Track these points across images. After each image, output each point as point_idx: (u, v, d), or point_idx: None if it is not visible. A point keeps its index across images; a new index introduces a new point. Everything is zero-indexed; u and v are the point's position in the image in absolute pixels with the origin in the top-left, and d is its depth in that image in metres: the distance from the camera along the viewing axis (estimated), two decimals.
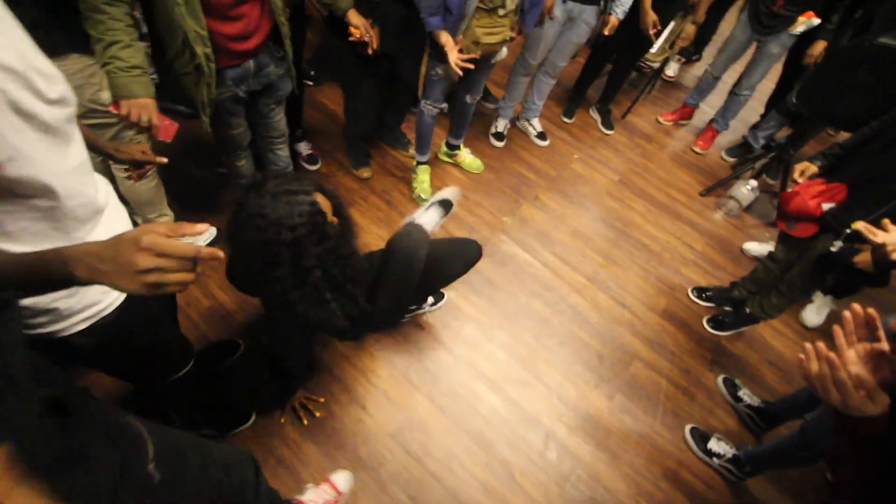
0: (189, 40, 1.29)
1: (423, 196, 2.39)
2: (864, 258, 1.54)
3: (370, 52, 1.75)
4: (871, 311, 0.75)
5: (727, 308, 2.26)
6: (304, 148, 2.40)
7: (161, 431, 0.78)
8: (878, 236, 1.15)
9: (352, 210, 2.26)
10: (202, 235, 1.95)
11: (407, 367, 1.83)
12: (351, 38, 1.70)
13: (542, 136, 2.91)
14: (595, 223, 2.57)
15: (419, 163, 2.41)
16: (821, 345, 0.75)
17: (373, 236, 2.20)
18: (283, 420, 1.62)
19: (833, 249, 1.62)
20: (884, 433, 0.71)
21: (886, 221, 1.17)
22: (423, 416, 1.72)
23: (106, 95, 1.37)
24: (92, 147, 1.11)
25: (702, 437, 1.83)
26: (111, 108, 1.27)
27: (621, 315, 2.19)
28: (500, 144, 2.82)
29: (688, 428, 1.86)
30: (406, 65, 2.04)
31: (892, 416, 0.71)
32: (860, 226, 1.18)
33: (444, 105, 2.27)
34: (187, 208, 2.04)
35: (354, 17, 1.71)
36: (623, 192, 2.79)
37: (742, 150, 3.15)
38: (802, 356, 0.76)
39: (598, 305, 2.20)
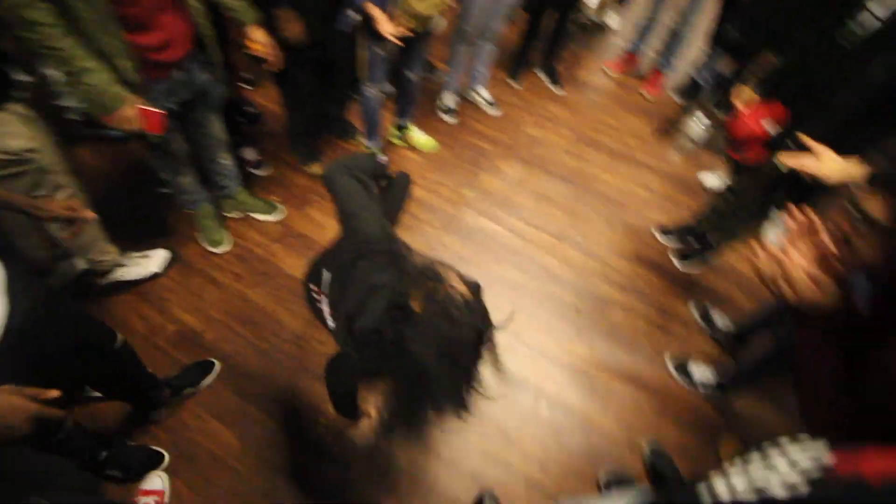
0: (107, 54, 1.27)
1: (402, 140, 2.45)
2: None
3: (265, 67, 1.72)
4: (811, 214, 0.80)
5: (693, 242, 2.35)
6: (249, 154, 2.38)
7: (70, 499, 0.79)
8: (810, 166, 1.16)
9: (309, 208, 2.28)
10: (155, 262, 1.93)
11: None
12: (247, 52, 1.65)
13: (492, 104, 2.94)
14: (556, 183, 2.63)
15: (370, 150, 2.42)
16: (768, 244, 0.80)
17: (334, 231, 2.19)
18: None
19: (779, 164, 1.71)
20: (839, 328, 0.75)
21: (818, 149, 1.21)
22: None
23: (14, 143, 1.34)
24: (7, 206, 1.10)
25: (682, 366, 1.93)
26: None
27: (593, 267, 2.27)
28: (450, 119, 2.84)
29: (669, 360, 1.95)
30: (338, 50, 2.04)
31: (847, 312, 0.75)
32: (790, 161, 1.20)
33: (388, 87, 2.27)
34: (133, 239, 2.00)
35: (257, 34, 1.64)
36: (580, 147, 2.85)
37: (690, 89, 3.24)
38: (751, 256, 0.81)
39: (570, 261, 2.27)
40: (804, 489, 0.53)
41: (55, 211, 1.15)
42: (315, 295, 1.16)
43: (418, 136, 2.64)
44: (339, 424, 1.67)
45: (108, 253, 1.78)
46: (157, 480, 1.48)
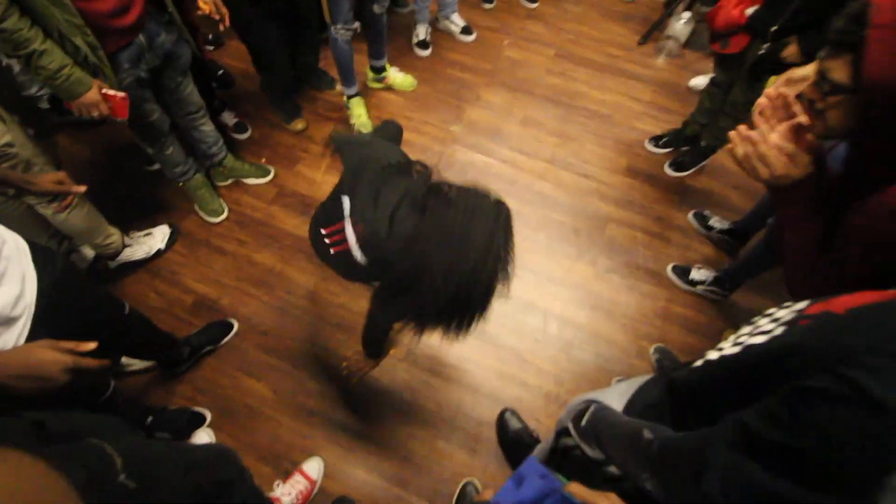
0: (64, 33, 1.23)
1: (363, 131, 2.37)
2: (790, 51, 1.61)
3: (222, 28, 1.64)
4: (782, 90, 0.81)
5: (684, 148, 2.35)
6: (228, 118, 2.34)
7: (130, 444, 0.85)
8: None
9: (299, 166, 2.28)
10: (157, 238, 1.96)
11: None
12: (199, 13, 1.58)
13: (466, 30, 2.83)
14: (543, 105, 2.58)
15: (349, 97, 2.37)
16: (742, 127, 0.83)
17: (328, 186, 2.20)
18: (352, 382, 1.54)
19: (762, 52, 1.68)
20: (814, 196, 0.79)
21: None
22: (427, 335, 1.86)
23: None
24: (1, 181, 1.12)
25: (683, 272, 2.00)
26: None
27: (587, 186, 2.29)
28: (425, 53, 2.75)
29: (669, 267, 2.02)
30: None
31: (821, 180, 0.79)
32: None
33: (356, 25, 2.18)
34: (133, 219, 2.03)
35: None
36: (562, 64, 2.77)
37: None
38: (729, 145, 0.83)
39: (563, 184, 2.28)
40: (779, 331, 0.59)
41: (45, 185, 1.18)
42: (327, 239, 1.21)
43: (395, 76, 2.56)
44: (364, 365, 1.77)
45: (112, 235, 1.81)
46: (203, 436, 1.60)
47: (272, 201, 2.17)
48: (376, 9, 2.16)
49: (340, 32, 2.06)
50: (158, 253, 1.96)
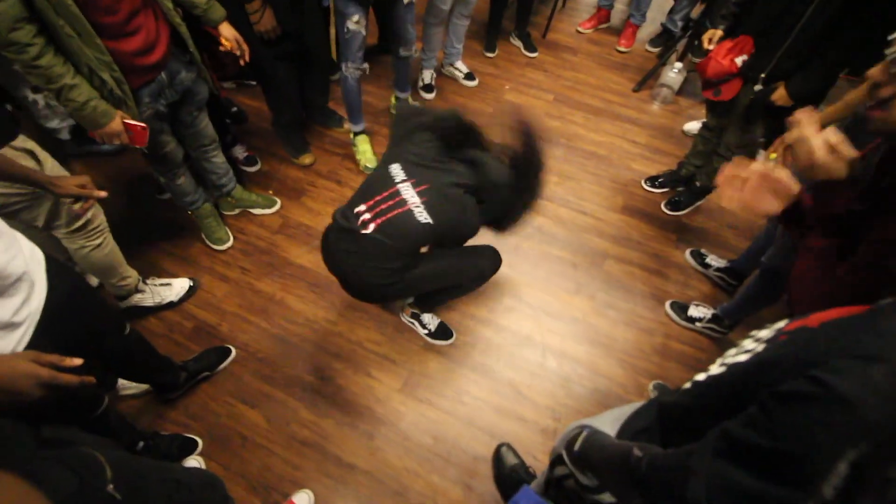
0: (94, 69, 1.32)
1: (368, 166, 2.45)
2: (779, 94, 1.69)
3: (242, 63, 1.76)
4: None
5: (680, 188, 2.41)
6: (239, 152, 2.43)
7: (120, 457, 0.85)
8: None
9: (304, 198, 2.34)
10: (174, 291, 1.96)
11: (398, 326, 1.94)
12: (221, 48, 1.70)
13: (469, 76, 2.97)
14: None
15: (356, 133, 2.46)
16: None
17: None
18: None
19: (753, 97, 1.76)
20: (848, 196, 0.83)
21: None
22: (425, 365, 1.85)
23: None
24: (26, 179, 1.18)
25: (682, 308, 2.00)
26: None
27: (585, 222, 2.33)
28: (430, 96, 2.87)
29: (668, 304, 2.03)
30: (312, 37, 2.07)
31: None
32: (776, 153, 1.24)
33: (365, 66, 2.30)
34: (148, 252, 2.08)
35: (227, 30, 1.67)
36: (560, 108, 2.88)
37: (664, 38, 3.25)
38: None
39: (562, 220, 2.33)
40: (760, 348, 0.60)
41: (68, 188, 1.23)
42: (367, 214, 1.28)
43: None
44: (360, 394, 1.76)
45: (128, 277, 1.79)
46: (193, 463, 1.57)
47: (277, 231, 2.22)
48: (402, 52, 2.34)
49: (350, 71, 2.17)
50: (170, 305, 1.93)
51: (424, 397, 1.78)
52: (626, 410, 0.96)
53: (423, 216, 1.23)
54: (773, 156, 1.62)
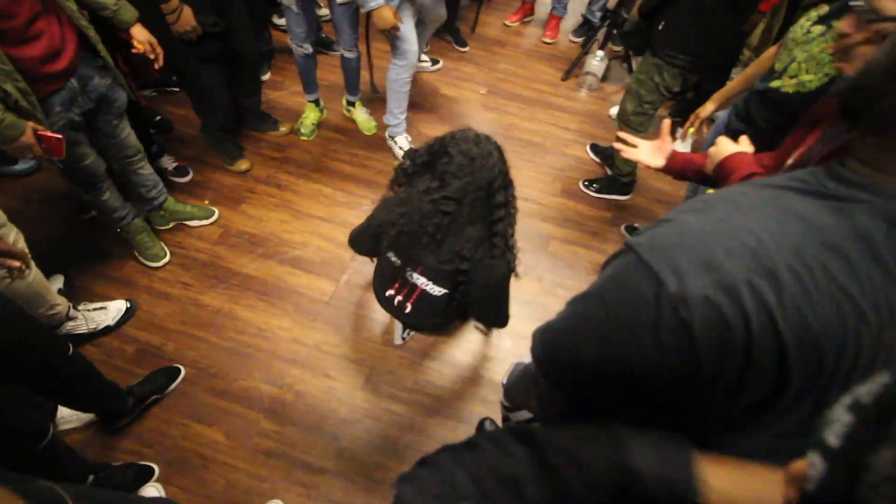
0: None
1: (302, 131, 2.55)
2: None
3: (157, 67, 1.68)
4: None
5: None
6: (168, 163, 2.31)
7: (80, 488, 0.81)
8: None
9: (244, 206, 2.27)
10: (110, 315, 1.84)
11: (355, 325, 1.94)
12: (134, 51, 1.62)
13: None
14: None
15: (308, 101, 2.55)
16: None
17: (274, 223, 2.22)
18: None
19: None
20: None
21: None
22: (385, 361, 1.86)
23: None
24: None
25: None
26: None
27: (528, 208, 2.42)
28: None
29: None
30: (238, 38, 2.01)
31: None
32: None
33: (308, 48, 2.28)
34: (77, 277, 1.94)
35: (139, 33, 1.59)
36: (495, 100, 2.97)
37: (585, 28, 3.42)
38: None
39: None
40: None
41: None
42: (398, 297, 1.37)
43: (360, 114, 2.68)
44: (321, 397, 1.75)
45: (57, 306, 1.65)
46: (151, 491, 1.50)
47: (217, 242, 2.14)
48: (343, 52, 2.35)
49: (294, 47, 2.22)
50: (107, 330, 1.81)
51: (387, 392, 1.79)
52: None
53: (436, 290, 1.29)
54: (692, 130, 1.77)
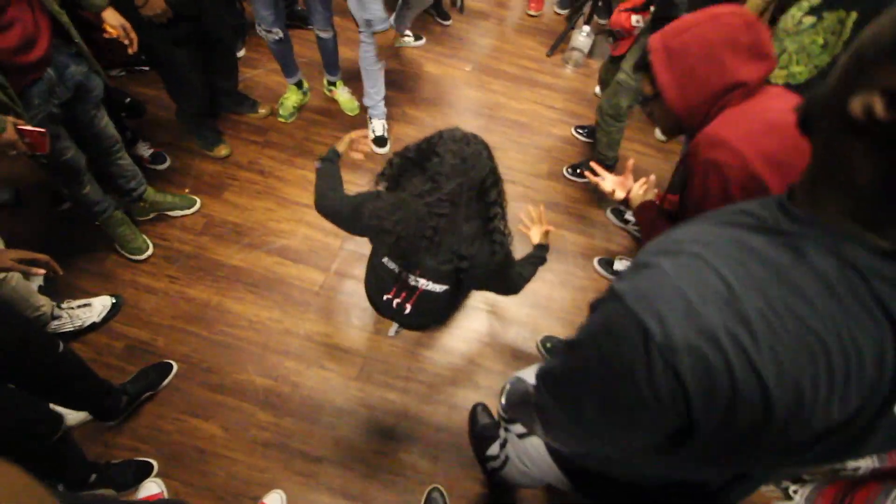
0: None
1: (281, 113, 2.51)
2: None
3: (130, 52, 1.62)
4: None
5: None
6: (143, 150, 2.24)
7: (77, 499, 0.83)
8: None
9: (226, 193, 2.23)
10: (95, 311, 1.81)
11: (347, 315, 1.96)
12: (106, 35, 1.55)
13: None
14: (465, 117, 2.71)
15: (290, 84, 2.51)
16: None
17: (259, 211, 2.19)
18: None
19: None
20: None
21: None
22: (377, 350, 1.90)
23: None
24: None
25: (608, 264, 2.20)
26: None
27: (514, 191, 2.44)
28: (383, 150, 2.56)
29: (595, 261, 2.21)
30: (211, 19, 1.92)
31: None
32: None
33: (278, 32, 2.18)
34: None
35: (111, 17, 1.54)
36: (480, 78, 2.93)
37: (571, 0, 3.36)
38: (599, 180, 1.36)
39: None
40: None
41: (3, 262, 1.16)
42: (396, 301, 1.36)
43: (342, 94, 2.63)
44: (316, 388, 1.78)
45: (42, 307, 1.63)
46: (152, 486, 1.53)
47: (201, 232, 2.11)
48: (318, 32, 2.27)
49: (263, 34, 2.14)
50: (93, 327, 1.79)
51: (381, 380, 1.84)
52: None
53: (437, 287, 1.29)
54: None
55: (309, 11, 2.22)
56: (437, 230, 1.14)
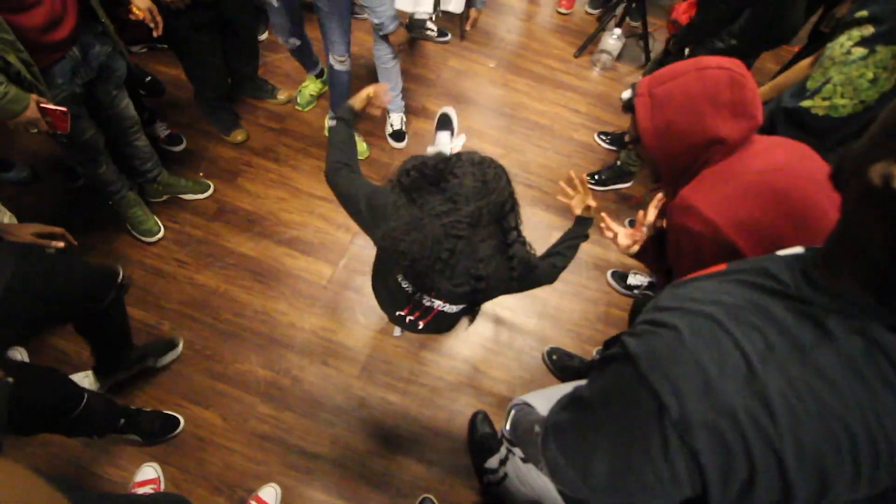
0: None
1: (299, 101, 2.49)
2: None
3: (155, 34, 1.59)
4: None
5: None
6: (160, 130, 2.24)
7: (80, 497, 0.85)
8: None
9: (240, 179, 2.23)
10: None
11: (353, 311, 1.96)
12: (132, 17, 1.53)
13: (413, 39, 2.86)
14: (485, 115, 2.67)
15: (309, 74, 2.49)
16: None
17: (272, 200, 2.19)
18: None
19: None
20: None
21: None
22: (381, 350, 1.90)
23: None
24: None
25: (622, 277, 2.16)
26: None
27: (531, 196, 2.41)
28: (400, 145, 2.52)
29: (609, 273, 2.18)
30: (230, 5, 1.90)
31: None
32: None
33: (294, 41, 2.16)
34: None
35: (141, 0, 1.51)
36: (504, 75, 2.88)
37: (602, 0, 3.28)
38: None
39: None
40: None
41: (24, 236, 1.21)
42: (409, 318, 1.33)
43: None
44: (318, 384, 1.78)
45: None
46: (149, 471, 1.55)
47: (213, 218, 2.11)
48: (331, 60, 2.07)
49: (280, 41, 2.10)
50: None
51: (383, 381, 1.84)
52: (562, 389, 1.07)
53: (453, 308, 1.27)
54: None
55: (324, 37, 2.00)
56: (454, 252, 1.12)
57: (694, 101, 0.89)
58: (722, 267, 0.63)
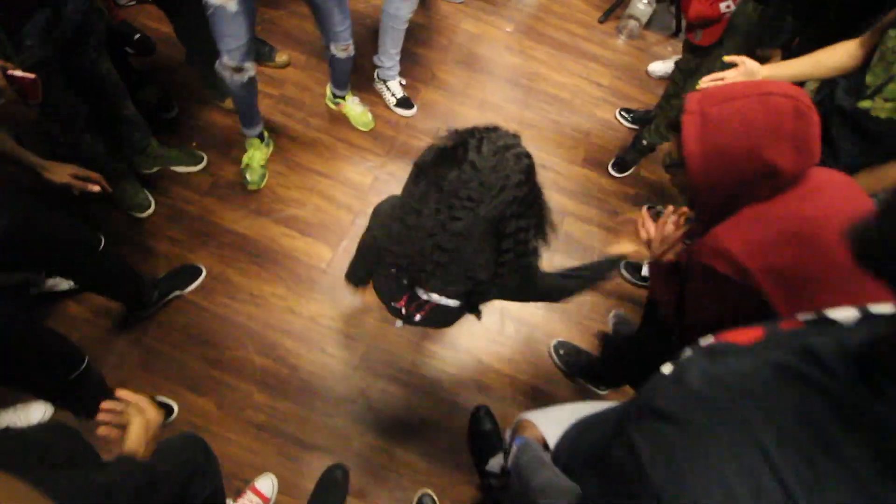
0: None
1: (249, 179, 1.99)
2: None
3: None
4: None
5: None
6: (150, 94, 2.10)
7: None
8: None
9: (235, 151, 2.11)
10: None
11: (354, 298, 1.89)
12: None
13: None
14: (501, 86, 2.51)
15: (247, 136, 2.01)
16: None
17: (269, 174, 2.08)
18: None
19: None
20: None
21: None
22: (382, 339, 1.84)
23: None
24: (15, 159, 1.23)
25: (636, 269, 2.07)
26: None
27: (545, 177, 2.24)
28: (410, 113, 2.35)
29: (622, 264, 2.09)
30: None
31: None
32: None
33: (249, 69, 1.70)
34: None
35: None
36: (522, 41, 2.69)
37: None
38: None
39: None
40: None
41: (62, 176, 1.27)
42: (404, 310, 1.27)
43: (352, 107, 2.24)
44: (316, 372, 1.74)
45: None
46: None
47: (207, 192, 2.01)
48: (333, 49, 1.90)
49: (226, 71, 1.65)
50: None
51: (383, 372, 1.79)
52: (575, 412, 1.01)
53: (450, 302, 1.19)
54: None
55: (321, 23, 1.81)
56: (440, 264, 1.02)
57: (753, 127, 0.80)
58: (758, 333, 0.54)
